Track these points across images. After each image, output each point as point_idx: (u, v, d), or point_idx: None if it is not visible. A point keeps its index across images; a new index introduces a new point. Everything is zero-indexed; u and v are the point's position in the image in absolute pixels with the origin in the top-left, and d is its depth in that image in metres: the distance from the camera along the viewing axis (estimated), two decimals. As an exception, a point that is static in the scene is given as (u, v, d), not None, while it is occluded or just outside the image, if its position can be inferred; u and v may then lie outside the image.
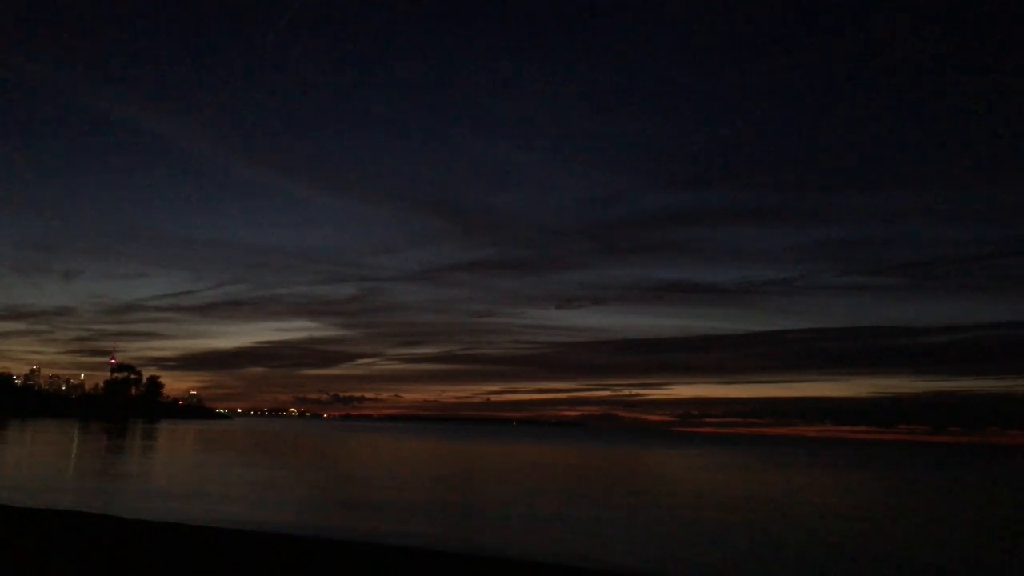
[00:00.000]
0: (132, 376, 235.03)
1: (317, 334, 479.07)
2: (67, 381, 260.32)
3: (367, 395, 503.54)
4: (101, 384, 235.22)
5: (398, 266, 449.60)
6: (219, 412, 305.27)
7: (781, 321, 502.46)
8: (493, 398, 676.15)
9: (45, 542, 15.00)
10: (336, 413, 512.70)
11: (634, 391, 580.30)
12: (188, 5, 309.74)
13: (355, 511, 24.97)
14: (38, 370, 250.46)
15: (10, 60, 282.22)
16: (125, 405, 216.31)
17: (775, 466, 70.73)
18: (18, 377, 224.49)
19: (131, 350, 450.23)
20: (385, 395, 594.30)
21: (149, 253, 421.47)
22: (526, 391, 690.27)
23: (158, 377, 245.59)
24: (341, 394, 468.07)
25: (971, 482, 59.86)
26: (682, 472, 56.52)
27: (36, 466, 37.83)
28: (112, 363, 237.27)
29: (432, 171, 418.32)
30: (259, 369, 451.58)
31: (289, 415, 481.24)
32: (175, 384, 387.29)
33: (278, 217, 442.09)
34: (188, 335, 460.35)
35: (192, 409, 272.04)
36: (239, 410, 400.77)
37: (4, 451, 49.01)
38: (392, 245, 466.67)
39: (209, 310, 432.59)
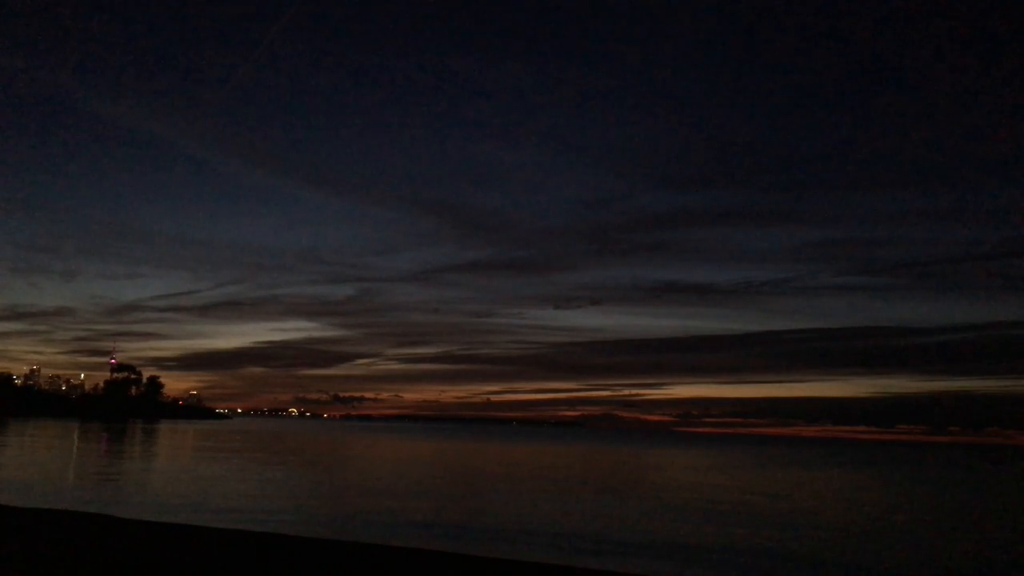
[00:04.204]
0: (132, 376, 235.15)
1: (316, 334, 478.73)
2: (67, 381, 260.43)
3: (367, 395, 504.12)
4: (101, 384, 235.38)
5: (396, 266, 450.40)
6: (219, 412, 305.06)
7: (780, 321, 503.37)
8: (493, 398, 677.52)
9: (45, 542, 15.01)
10: (336, 413, 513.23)
11: (634, 391, 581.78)
12: (188, 6, 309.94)
13: (354, 511, 24.97)
14: (38, 370, 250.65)
15: (10, 61, 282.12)
16: (125, 405, 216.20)
17: (774, 466, 70.74)
18: (18, 377, 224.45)
19: (131, 350, 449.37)
20: (385, 395, 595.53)
21: (149, 253, 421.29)
22: (526, 391, 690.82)
23: (158, 377, 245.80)
24: (341, 394, 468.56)
25: (969, 481, 59.87)
26: (681, 472, 56.53)
27: (36, 466, 37.83)
28: (112, 363, 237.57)
29: (430, 172, 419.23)
30: (259, 369, 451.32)
31: (289, 415, 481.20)
32: (175, 384, 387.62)
33: (278, 217, 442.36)
34: (188, 335, 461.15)
35: (192, 409, 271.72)
36: (239, 410, 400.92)
37: (4, 451, 49.01)
38: (390, 246, 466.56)
39: (209, 310, 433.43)
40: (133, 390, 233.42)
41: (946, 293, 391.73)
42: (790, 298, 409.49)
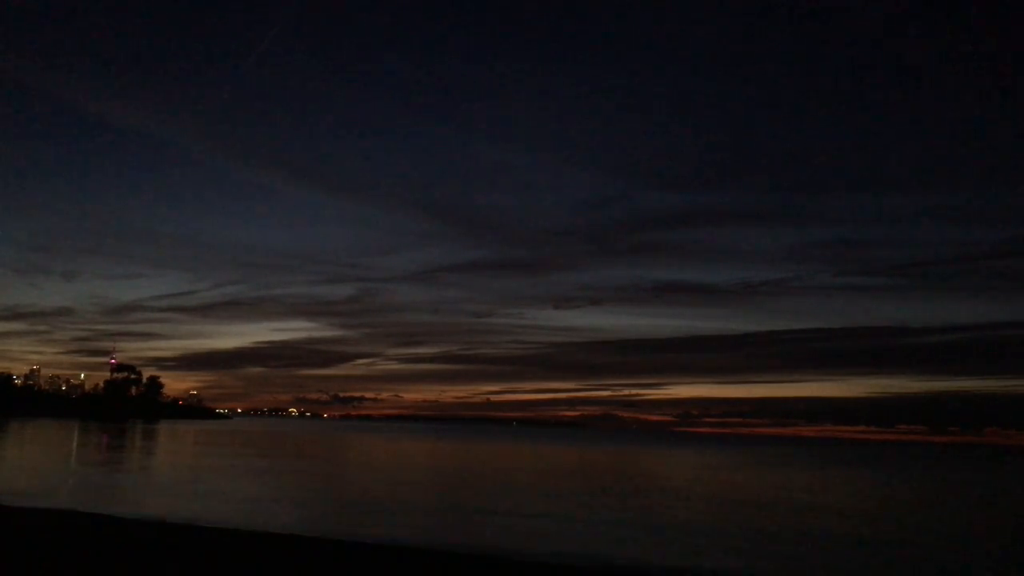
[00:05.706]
0: (132, 376, 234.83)
1: (316, 334, 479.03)
2: (67, 381, 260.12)
3: (367, 395, 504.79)
4: (101, 384, 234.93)
5: (396, 267, 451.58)
6: (219, 412, 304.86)
7: (779, 321, 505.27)
8: (493, 398, 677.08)
9: (45, 542, 15.04)
10: (336, 413, 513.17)
11: (633, 391, 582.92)
12: (186, 6, 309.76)
13: (355, 511, 25.01)
14: (38, 370, 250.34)
15: (9, 61, 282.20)
16: (125, 405, 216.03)
17: (773, 466, 70.75)
18: (18, 377, 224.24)
19: (131, 350, 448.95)
20: (385, 395, 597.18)
21: (149, 253, 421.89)
22: (526, 391, 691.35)
23: (158, 377, 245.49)
24: (341, 394, 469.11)
25: (968, 481, 59.86)
26: (681, 472, 56.54)
27: (36, 466, 37.85)
28: (112, 363, 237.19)
29: (430, 172, 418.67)
30: (259, 369, 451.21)
31: (289, 415, 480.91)
32: (175, 384, 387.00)
33: (278, 217, 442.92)
34: (188, 335, 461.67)
35: (192, 409, 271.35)
36: (239, 410, 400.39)
37: (4, 451, 49.03)
38: (390, 246, 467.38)
39: (209, 310, 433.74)
40: (133, 390, 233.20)
41: (946, 293, 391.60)
42: (790, 298, 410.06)
